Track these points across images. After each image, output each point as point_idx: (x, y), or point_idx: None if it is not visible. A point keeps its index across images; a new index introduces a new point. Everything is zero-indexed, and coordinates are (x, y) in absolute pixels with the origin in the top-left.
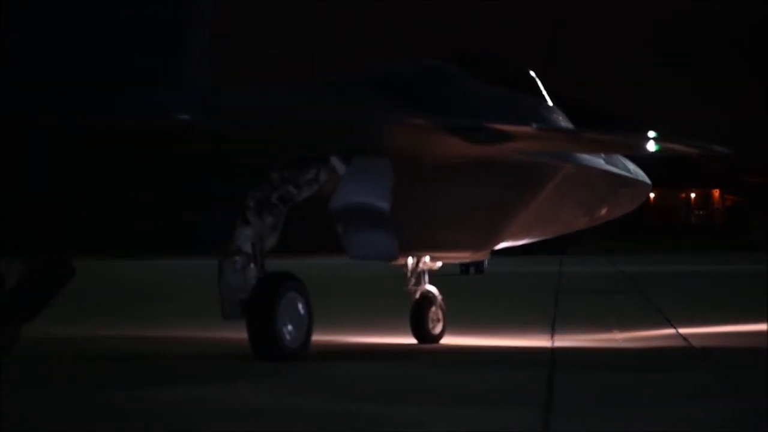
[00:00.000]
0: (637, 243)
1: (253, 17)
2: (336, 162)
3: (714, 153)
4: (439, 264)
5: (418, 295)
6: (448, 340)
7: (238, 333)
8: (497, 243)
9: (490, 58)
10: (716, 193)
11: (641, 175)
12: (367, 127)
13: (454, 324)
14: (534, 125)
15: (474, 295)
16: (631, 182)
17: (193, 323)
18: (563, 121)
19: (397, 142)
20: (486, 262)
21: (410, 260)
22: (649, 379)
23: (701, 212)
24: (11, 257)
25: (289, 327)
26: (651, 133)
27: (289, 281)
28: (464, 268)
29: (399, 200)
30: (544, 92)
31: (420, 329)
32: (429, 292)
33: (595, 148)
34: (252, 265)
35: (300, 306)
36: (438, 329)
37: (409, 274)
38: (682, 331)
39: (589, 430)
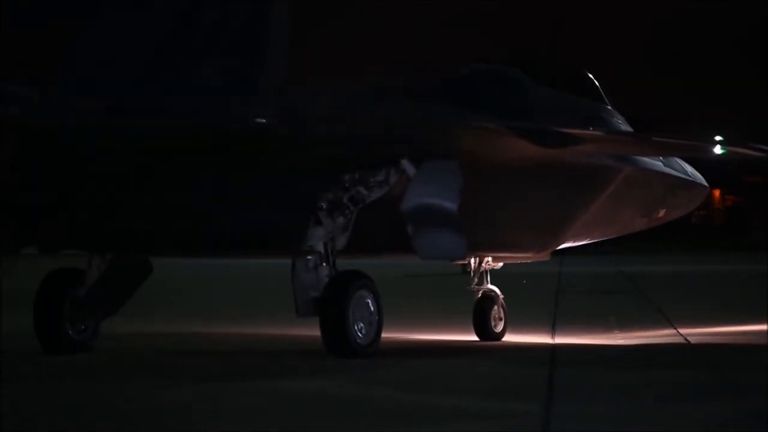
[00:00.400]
0: (638, 243)
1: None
2: (406, 164)
3: None
4: (500, 264)
5: (480, 294)
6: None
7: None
8: (559, 244)
9: (550, 61)
10: (716, 193)
11: (698, 177)
12: (439, 130)
13: (458, 323)
14: (604, 129)
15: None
16: (689, 184)
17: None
18: (622, 124)
19: (467, 145)
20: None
21: (473, 260)
22: (647, 377)
23: (701, 212)
24: (93, 255)
25: (360, 324)
26: (717, 137)
27: (360, 280)
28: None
29: (466, 202)
30: (603, 94)
31: (482, 327)
32: (491, 291)
33: (661, 152)
34: (324, 264)
35: (370, 304)
36: (500, 327)
37: (472, 273)
38: (682, 330)
39: (589, 416)
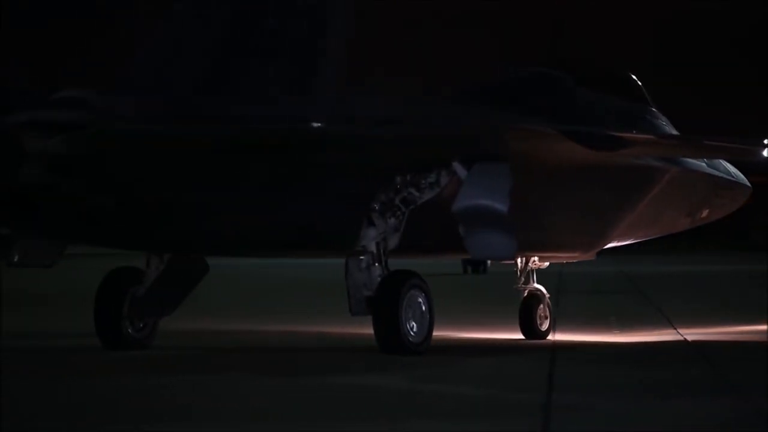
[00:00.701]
0: (638, 243)
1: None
2: (458, 167)
3: None
4: (546, 264)
5: (526, 293)
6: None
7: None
8: (605, 243)
9: (594, 63)
10: None
11: (741, 177)
12: (493, 134)
13: (462, 320)
14: (650, 132)
15: (477, 294)
16: (732, 184)
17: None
18: (666, 125)
19: (519, 148)
20: (488, 262)
21: (519, 260)
22: (646, 375)
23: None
24: (151, 255)
25: (412, 323)
26: (766, 141)
27: (412, 279)
28: (465, 268)
29: (516, 203)
30: (647, 95)
31: (528, 326)
32: (537, 290)
33: (711, 155)
34: (376, 264)
35: (422, 303)
36: (545, 326)
37: (518, 273)
38: (682, 330)
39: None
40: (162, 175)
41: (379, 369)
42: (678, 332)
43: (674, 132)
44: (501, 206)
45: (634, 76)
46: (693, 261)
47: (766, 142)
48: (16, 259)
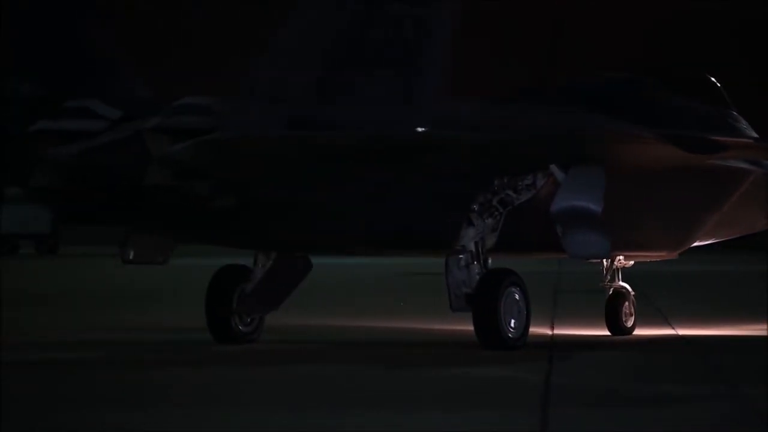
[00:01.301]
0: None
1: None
2: (555, 170)
3: None
4: (631, 262)
5: (612, 291)
6: None
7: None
8: (691, 243)
9: (679, 68)
10: None
11: None
12: (592, 138)
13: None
14: (735, 135)
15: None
16: None
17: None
18: (747, 128)
19: (616, 152)
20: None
21: (605, 259)
22: (644, 376)
23: None
24: (259, 253)
25: (511, 319)
26: None
27: (510, 277)
28: None
29: (610, 204)
30: (727, 98)
31: (614, 322)
32: (623, 287)
33: None
34: (475, 263)
35: (519, 300)
36: (630, 323)
37: (604, 271)
38: (681, 331)
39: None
40: (279, 179)
41: (505, 362)
42: (675, 331)
43: (753, 134)
44: (596, 208)
45: (713, 79)
46: (693, 261)
47: None
48: (131, 256)
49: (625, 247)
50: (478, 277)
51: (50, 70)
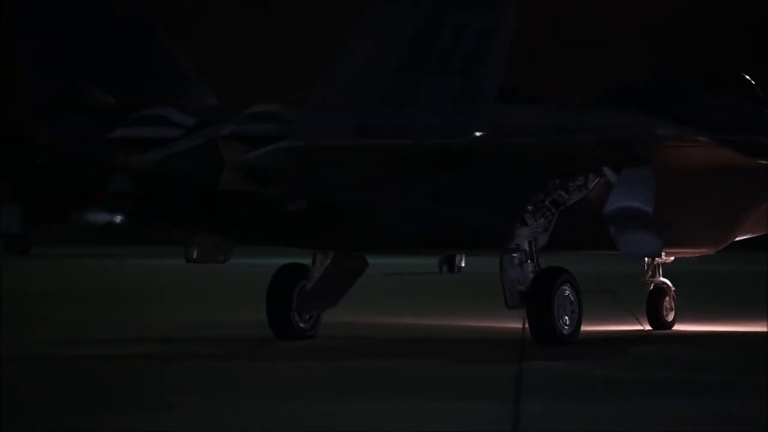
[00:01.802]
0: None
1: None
2: (608, 171)
3: None
4: (672, 258)
5: (652, 287)
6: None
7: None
8: (730, 240)
9: (721, 69)
10: None
11: None
12: (646, 141)
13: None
14: None
15: (455, 293)
16: None
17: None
18: None
19: (667, 155)
20: (463, 263)
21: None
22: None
23: None
24: (317, 253)
25: (564, 316)
26: None
27: (563, 275)
28: (441, 267)
29: (661, 204)
30: (762, 96)
31: (655, 316)
32: (663, 283)
33: None
34: (529, 261)
35: (572, 297)
36: (670, 317)
37: (645, 267)
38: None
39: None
40: (349, 183)
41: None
42: (644, 329)
43: None
44: (648, 208)
45: (748, 77)
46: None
47: None
48: (195, 255)
49: (672, 245)
50: (531, 275)
51: (122, 79)
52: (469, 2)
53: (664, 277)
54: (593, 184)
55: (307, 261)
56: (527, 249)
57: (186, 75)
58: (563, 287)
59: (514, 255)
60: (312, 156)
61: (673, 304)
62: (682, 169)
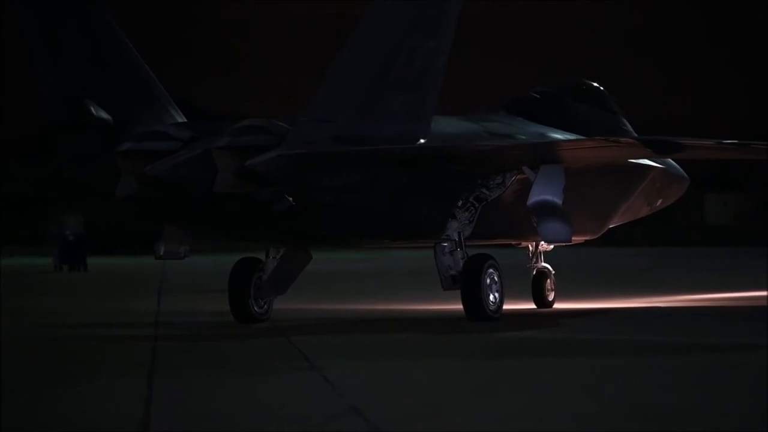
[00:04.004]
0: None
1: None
2: (527, 170)
3: None
4: (552, 246)
5: (535, 271)
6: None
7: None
8: (607, 228)
9: (584, 83)
10: None
11: (683, 172)
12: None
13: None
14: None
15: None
16: (680, 178)
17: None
18: (632, 130)
19: (567, 156)
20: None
21: (530, 244)
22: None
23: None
24: (270, 247)
25: (490, 295)
26: None
27: (489, 260)
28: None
29: (568, 198)
30: (615, 106)
31: (539, 297)
32: (545, 268)
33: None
34: (458, 249)
35: (497, 279)
36: (551, 297)
37: (530, 254)
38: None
39: None
40: (325, 185)
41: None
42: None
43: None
44: (559, 200)
45: (603, 89)
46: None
47: None
48: (162, 252)
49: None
50: (461, 261)
51: (119, 101)
52: (422, 28)
53: (544, 262)
54: (510, 182)
55: (259, 255)
56: (456, 239)
57: (156, 93)
58: (490, 270)
59: (445, 244)
60: (308, 162)
61: (552, 286)
62: (573, 167)
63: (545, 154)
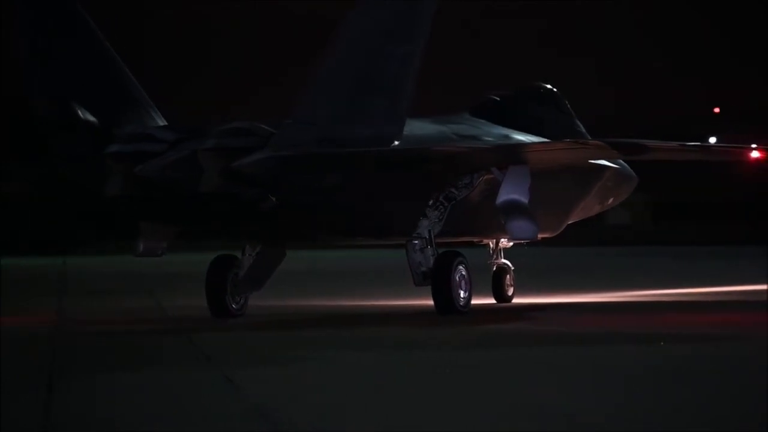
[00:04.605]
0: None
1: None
2: (495, 171)
3: None
4: (511, 243)
5: (495, 268)
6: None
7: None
8: (565, 225)
9: (545, 89)
10: None
11: (631, 170)
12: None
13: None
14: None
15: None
16: (629, 177)
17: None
18: (585, 132)
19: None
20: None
21: (491, 241)
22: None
23: None
24: (246, 245)
25: (460, 291)
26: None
27: (459, 257)
28: None
29: (534, 198)
30: (569, 108)
31: (499, 292)
32: (505, 264)
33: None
34: (429, 247)
35: (466, 275)
36: (510, 292)
37: (491, 251)
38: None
39: None
40: (308, 185)
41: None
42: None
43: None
44: (526, 199)
45: (557, 91)
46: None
47: (752, 146)
48: (141, 250)
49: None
50: (432, 258)
51: (103, 104)
52: (399, 34)
53: (504, 259)
54: (477, 182)
55: (235, 253)
56: (427, 237)
57: (138, 96)
58: (459, 267)
59: (416, 242)
60: (293, 163)
61: (512, 281)
62: (536, 168)
63: (518, 155)
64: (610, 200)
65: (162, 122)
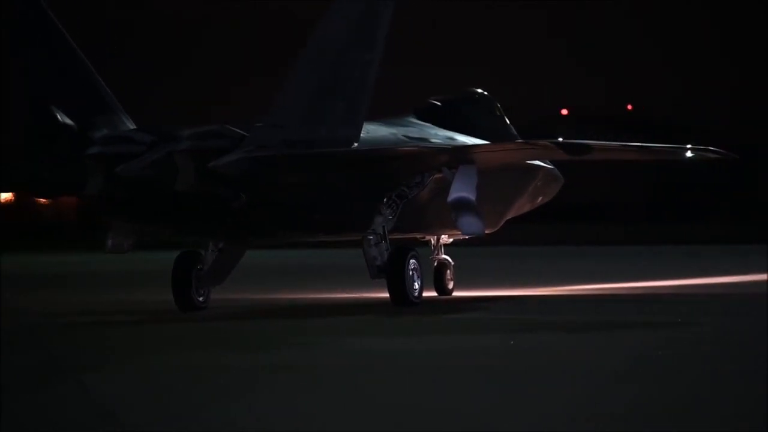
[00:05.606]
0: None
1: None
2: (446, 171)
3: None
4: (451, 240)
5: (436, 263)
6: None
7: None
8: (502, 223)
9: (479, 94)
10: None
11: (558, 172)
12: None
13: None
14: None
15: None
16: (557, 178)
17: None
18: (516, 134)
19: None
20: None
21: (432, 237)
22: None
23: None
24: (209, 242)
25: (413, 283)
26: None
27: (412, 252)
28: None
29: (480, 196)
30: (502, 111)
31: (440, 286)
32: (445, 259)
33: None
34: (383, 242)
35: (418, 268)
36: (450, 286)
37: (432, 247)
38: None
39: None
40: (277, 183)
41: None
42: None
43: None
44: (473, 197)
45: (490, 95)
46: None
47: (687, 146)
48: (110, 246)
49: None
50: (386, 252)
51: (79, 107)
52: (361, 42)
53: (445, 254)
54: (428, 181)
55: (197, 249)
56: (381, 232)
57: (108, 101)
58: (412, 261)
59: (371, 237)
60: (265, 164)
61: (452, 276)
62: (485, 169)
63: (472, 156)
64: (540, 199)
65: (132, 125)
